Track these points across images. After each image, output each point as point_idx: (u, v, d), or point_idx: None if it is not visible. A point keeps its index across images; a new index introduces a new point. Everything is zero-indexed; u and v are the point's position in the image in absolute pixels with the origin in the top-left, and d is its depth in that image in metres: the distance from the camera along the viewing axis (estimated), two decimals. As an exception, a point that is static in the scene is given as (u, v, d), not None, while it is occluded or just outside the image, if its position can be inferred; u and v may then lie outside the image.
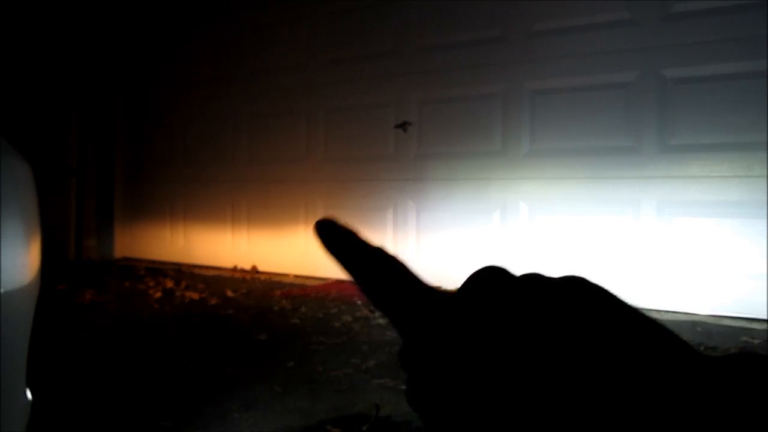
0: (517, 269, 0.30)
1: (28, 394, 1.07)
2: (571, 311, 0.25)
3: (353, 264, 0.33)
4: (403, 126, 4.06)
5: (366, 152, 4.21)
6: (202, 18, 5.06)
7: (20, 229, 1.00)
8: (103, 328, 2.99)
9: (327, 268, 4.33)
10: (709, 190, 3.14)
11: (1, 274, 0.93)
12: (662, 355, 0.23)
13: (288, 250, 4.55)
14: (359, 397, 2.02)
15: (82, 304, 3.50)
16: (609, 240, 3.38)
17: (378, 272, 0.32)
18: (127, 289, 3.98)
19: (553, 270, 0.29)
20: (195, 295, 3.72)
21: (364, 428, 1.76)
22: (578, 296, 0.26)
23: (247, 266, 4.72)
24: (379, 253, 0.33)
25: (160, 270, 4.75)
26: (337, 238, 0.34)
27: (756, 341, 2.68)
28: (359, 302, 3.50)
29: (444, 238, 3.83)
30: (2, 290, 0.93)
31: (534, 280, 0.28)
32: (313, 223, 0.34)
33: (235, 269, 4.76)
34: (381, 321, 3.09)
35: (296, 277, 4.43)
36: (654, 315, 0.25)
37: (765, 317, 2.93)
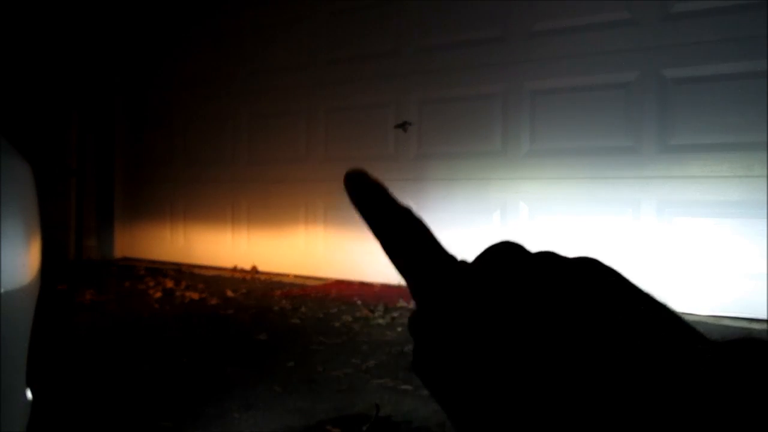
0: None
1: (28, 394, 1.07)
2: (582, 289, 0.26)
3: (380, 220, 0.32)
4: (403, 126, 4.06)
5: (366, 152, 4.21)
6: (202, 18, 5.06)
7: (20, 229, 1.00)
8: (103, 328, 2.98)
9: (327, 268, 4.33)
10: (709, 190, 3.14)
11: (1, 274, 0.92)
12: (669, 336, 0.24)
13: (288, 250, 4.55)
14: (359, 397, 2.02)
15: (82, 304, 3.50)
16: (609, 240, 3.38)
17: (404, 232, 0.32)
18: (127, 289, 3.98)
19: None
20: (195, 295, 3.72)
21: (364, 428, 1.76)
22: (590, 275, 0.26)
23: (247, 266, 4.72)
24: (408, 213, 0.32)
25: (160, 270, 4.75)
26: (366, 192, 0.33)
27: (756, 341, 2.67)
28: (359, 302, 3.50)
29: (444, 238, 3.80)
30: (2, 290, 0.93)
31: (548, 257, 0.28)
32: (344, 175, 0.33)
33: (235, 269, 4.76)
34: (381, 321, 3.09)
35: (296, 277, 4.43)
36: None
37: (765, 317, 2.93)
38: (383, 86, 4.17)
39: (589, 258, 0.28)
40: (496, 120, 3.77)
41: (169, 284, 4.09)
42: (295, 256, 4.49)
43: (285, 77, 4.61)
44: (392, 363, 2.36)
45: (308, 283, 4.25)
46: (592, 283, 0.26)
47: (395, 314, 3.21)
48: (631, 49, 3.33)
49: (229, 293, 3.82)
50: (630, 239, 3.33)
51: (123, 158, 5.58)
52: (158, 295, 3.76)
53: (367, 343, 2.67)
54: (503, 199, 3.72)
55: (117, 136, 5.55)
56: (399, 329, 2.93)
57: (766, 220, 2.97)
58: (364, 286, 3.98)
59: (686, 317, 0.25)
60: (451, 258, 0.31)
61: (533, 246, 0.30)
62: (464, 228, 3.73)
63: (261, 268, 4.66)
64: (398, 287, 3.72)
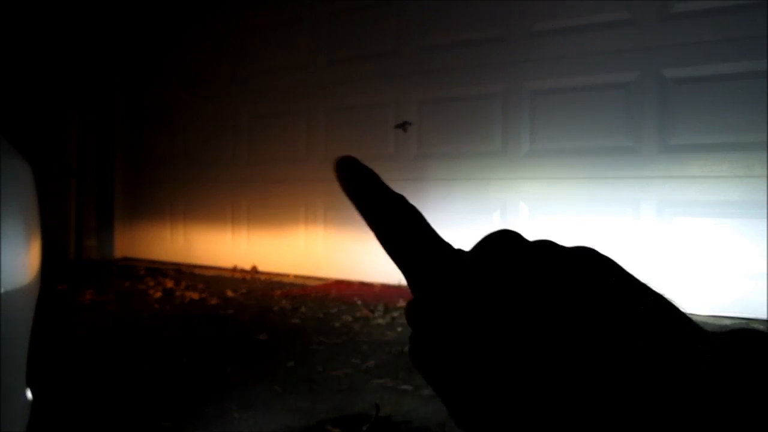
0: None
1: (28, 394, 1.07)
2: (580, 279, 0.25)
3: (372, 207, 0.32)
4: (403, 126, 4.06)
5: (366, 152, 4.21)
6: (202, 18, 5.06)
7: (20, 229, 1.00)
8: (103, 328, 2.98)
9: (327, 268, 4.33)
10: (709, 190, 3.14)
11: (1, 274, 0.93)
12: (666, 326, 0.23)
13: (288, 250, 4.55)
14: (359, 397, 2.02)
15: (82, 304, 3.50)
16: (609, 240, 3.38)
17: (397, 220, 0.31)
18: (127, 289, 3.98)
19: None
20: (195, 295, 3.72)
21: (364, 428, 1.76)
22: (587, 265, 0.26)
23: (247, 266, 4.72)
24: (401, 201, 0.32)
25: (160, 270, 4.75)
26: (358, 178, 0.32)
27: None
28: (359, 302, 3.50)
29: (444, 238, 3.82)
30: (2, 290, 0.93)
31: (546, 246, 0.28)
32: (334, 161, 0.32)
33: (235, 269, 4.76)
34: (381, 321, 3.09)
35: (296, 277, 4.43)
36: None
37: (765, 317, 2.93)
38: (383, 86, 4.17)
39: (586, 247, 0.28)
40: (496, 120, 3.77)
41: (169, 284, 4.09)
42: (295, 256, 4.49)
43: (285, 77, 4.61)
44: (392, 363, 2.36)
45: (308, 283, 4.25)
46: (588, 271, 0.26)
47: (395, 314, 3.21)
48: (631, 49, 3.33)
49: (229, 293, 3.82)
50: (630, 239, 3.33)
51: (123, 158, 5.58)
52: (158, 295, 3.76)
53: (367, 343, 2.67)
54: (503, 199, 3.72)
55: (117, 136, 5.55)
56: (399, 329, 2.93)
57: (766, 220, 2.97)
58: (364, 286, 3.98)
59: (686, 316, 0.25)
60: (448, 245, 0.31)
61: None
62: (464, 228, 3.73)
63: (261, 268, 4.66)
64: (398, 287, 3.72)
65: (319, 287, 4.07)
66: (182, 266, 4.93)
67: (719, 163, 3.11)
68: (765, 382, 0.20)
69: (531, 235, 0.30)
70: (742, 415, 0.19)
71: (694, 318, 0.24)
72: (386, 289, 3.76)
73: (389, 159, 4.11)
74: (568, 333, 0.24)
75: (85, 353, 2.54)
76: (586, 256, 0.27)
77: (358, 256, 4.03)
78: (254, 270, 4.67)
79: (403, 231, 0.31)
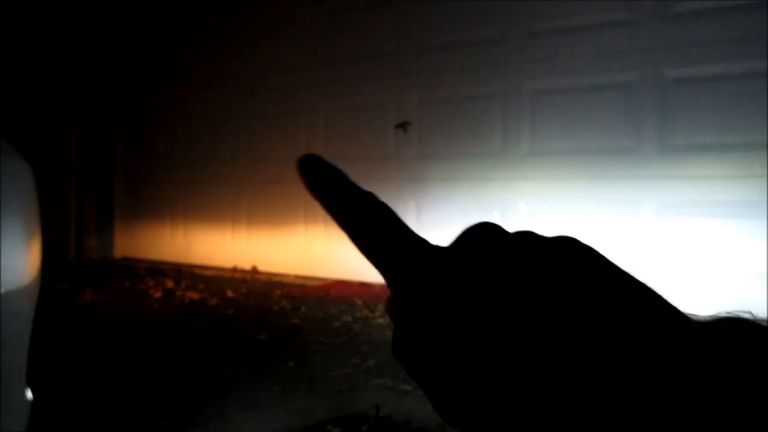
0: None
1: (28, 394, 1.07)
2: (562, 270, 0.25)
3: (341, 206, 0.31)
4: (403, 126, 4.06)
5: (366, 152, 4.21)
6: (202, 18, 5.06)
7: (20, 229, 1.00)
8: (103, 328, 2.98)
9: (327, 268, 4.33)
10: (709, 190, 3.14)
11: (1, 274, 0.93)
12: (650, 315, 0.23)
13: (288, 250, 4.55)
14: (359, 397, 2.02)
15: (82, 304, 3.50)
16: (609, 240, 3.38)
17: (368, 217, 0.31)
18: (127, 289, 3.98)
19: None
20: (195, 295, 3.72)
21: (364, 428, 1.76)
22: (569, 255, 0.26)
23: (247, 266, 4.72)
24: (370, 198, 0.31)
25: (160, 270, 4.75)
26: (324, 177, 0.31)
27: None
28: (359, 302, 3.50)
29: (444, 238, 3.82)
30: (2, 290, 0.93)
31: (526, 237, 0.28)
32: (296, 161, 0.31)
33: (235, 269, 4.75)
34: (381, 321, 3.09)
35: (296, 277, 4.43)
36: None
37: (765, 317, 2.93)
38: (383, 86, 4.17)
39: (567, 237, 0.27)
40: (496, 120, 3.77)
41: (169, 284, 4.09)
42: (295, 256, 4.49)
43: (285, 77, 4.61)
44: (392, 363, 2.36)
45: (308, 283, 4.25)
46: (569, 261, 0.26)
47: (395, 314, 3.20)
48: (631, 49, 3.33)
49: (229, 293, 3.82)
50: (630, 239, 3.33)
51: (123, 158, 5.58)
52: (158, 295, 3.76)
53: (367, 343, 2.67)
54: (503, 199, 3.72)
55: (117, 136, 5.55)
56: (399, 329, 2.92)
57: (766, 220, 2.97)
58: (364, 286, 3.97)
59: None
60: (423, 240, 0.30)
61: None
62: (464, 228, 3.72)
63: (261, 268, 4.66)
64: (398, 287, 3.71)
65: (319, 287, 4.07)
66: (182, 266, 4.93)
67: (719, 163, 3.11)
68: (765, 382, 0.20)
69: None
70: (742, 415, 0.19)
71: (693, 318, 0.24)
72: (386, 290, 3.75)
73: (389, 159, 4.11)
74: (547, 324, 0.23)
75: (85, 353, 2.54)
76: (567, 246, 0.27)
77: (358, 256, 3.99)
78: (254, 270, 4.67)
79: (375, 228, 0.30)
